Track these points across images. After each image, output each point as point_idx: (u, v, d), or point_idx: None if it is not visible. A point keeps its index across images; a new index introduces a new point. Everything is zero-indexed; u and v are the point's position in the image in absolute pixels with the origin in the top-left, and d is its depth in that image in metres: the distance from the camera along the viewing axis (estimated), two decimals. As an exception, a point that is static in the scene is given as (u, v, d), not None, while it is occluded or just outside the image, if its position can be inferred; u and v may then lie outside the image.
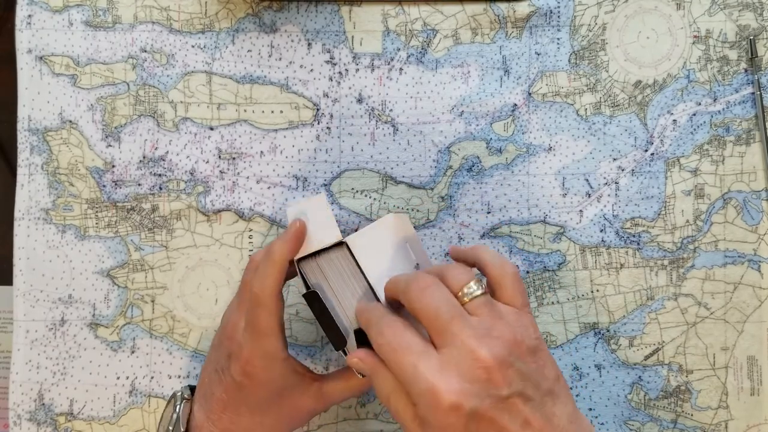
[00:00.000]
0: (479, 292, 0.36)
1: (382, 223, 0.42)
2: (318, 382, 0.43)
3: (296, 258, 0.41)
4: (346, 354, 0.40)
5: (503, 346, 0.34)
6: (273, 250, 0.40)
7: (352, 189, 0.52)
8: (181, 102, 0.52)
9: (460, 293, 0.36)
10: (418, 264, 0.43)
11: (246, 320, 0.41)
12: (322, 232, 0.42)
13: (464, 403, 0.32)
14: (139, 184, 0.51)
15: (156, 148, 0.52)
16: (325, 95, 0.52)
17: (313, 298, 0.40)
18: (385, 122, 0.52)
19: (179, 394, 0.44)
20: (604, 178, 0.52)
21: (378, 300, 0.40)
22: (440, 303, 0.35)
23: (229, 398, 0.41)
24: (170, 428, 0.43)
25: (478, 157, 0.52)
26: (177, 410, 0.43)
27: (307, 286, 0.41)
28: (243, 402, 0.41)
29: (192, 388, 0.45)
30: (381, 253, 0.42)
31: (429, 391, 0.33)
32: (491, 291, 0.39)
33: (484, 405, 0.33)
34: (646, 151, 0.52)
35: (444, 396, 0.32)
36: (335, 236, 0.42)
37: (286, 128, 0.52)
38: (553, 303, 0.51)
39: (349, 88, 0.52)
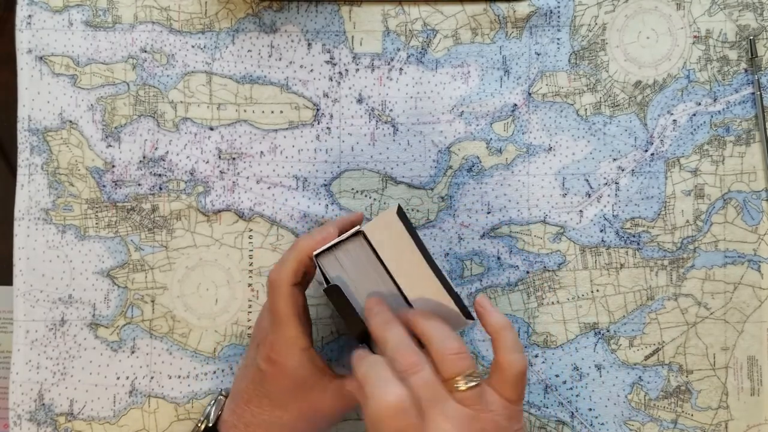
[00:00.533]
0: (474, 383, 0.37)
1: (390, 212, 0.42)
2: (339, 381, 0.43)
3: (315, 253, 0.42)
4: (369, 347, 0.41)
5: None
6: (298, 242, 0.42)
7: (352, 189, 0.52)
8: (181, 102, 0.52)
9: (454, 379, 0.37)
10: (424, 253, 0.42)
11: (267, 308, 0.43)
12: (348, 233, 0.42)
13: None
14: (139, 185, 0.51)
15: (156, 148, 0.52)
16: (325, 95, 0.52)
17: (333, 292, 0.41)
18: (385, 122, 0.52)
19: (219, 392, 0.48)
20: (604, 178, 0.52)
21: (398, 288, 0.41)
22: (423, 387, 0.36)
23: (253, 389, 0.43)
24: (199, 424, 0.45)
25: (478, 157, 0.52)
26: (208, 409, 0.46)
27: (327, 281, 0.42)
28: (265, 394, 0.42)
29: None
30: (394, 240, 0.42)
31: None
32: (492, 371, 0.39)
33: None
34: (646, 151, 0.52)
35: None
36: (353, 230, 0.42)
37: (286, 128, 0.52)
38: (553, 303, 0.51)
39: (349, 88, 0.52)
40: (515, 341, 0.39)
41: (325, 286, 0.41)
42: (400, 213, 0.41)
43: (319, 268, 0.42)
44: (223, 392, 0.48)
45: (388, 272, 0.41)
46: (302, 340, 0.42)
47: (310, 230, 0.49)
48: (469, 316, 0.41)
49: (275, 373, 0.42)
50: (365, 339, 0.41)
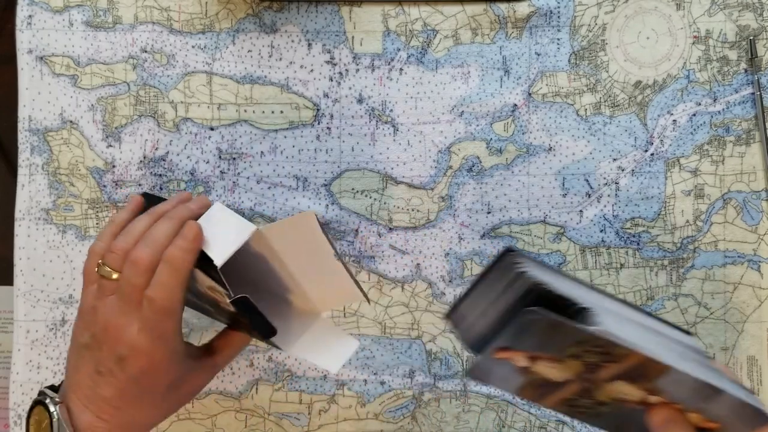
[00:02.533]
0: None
1: (296, 220, 0.41)
2: (208, 358, 0.44)
3: (220, 264, 0.39)
4: (273, 343, 0.42)
5: None
6: (174, 259, 0.39)
7: (353, 189, 0.52)
8: (182, 102, 0.52)
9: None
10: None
11: (146, 327, 0.39)
12: (233, 232, 0.40)
13: None
14: (140, 185, 0.51)
15: (156, 149, 0.52)
16: (326, 95, 0.52)
17: (242, 303, 0.39)
18: (386, 122, 0.52)
19: (48, 399, 0.41)
20: (604, 178, 0.52)
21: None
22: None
23: (124, 396, 0.40)
24: None
25: (478, 157, 0.52)
26: (55, 416, 0.40)
27: (229, 290, 0.40)
28: (143, 396, 0.41)
29: (53, 389, 0.42)
30: (294, 246, 0.41)
31: None
32: None
33: None
34: (646, 151, 0.52)
35: None
36: (249, 229, 0.40)
37: (287, 128, 0.52)
38: (553, 303, 0.51)
39: (350, 88, 0.52)
40: None
41: (231, 297, 0.39)
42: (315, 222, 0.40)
43: (222, 282, 0.39)
44: (56, 398, 0.41)
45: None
46: (183, 352, 0.41)
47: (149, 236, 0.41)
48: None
49: (155, 380, 0.40)
50: (272, 334, 0.41)
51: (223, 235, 0.40)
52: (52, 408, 0.40)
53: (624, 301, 0.44)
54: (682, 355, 0.39)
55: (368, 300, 0.46)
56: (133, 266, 0.39)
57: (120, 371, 0.40)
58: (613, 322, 0.37)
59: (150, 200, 0.44)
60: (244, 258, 0.41)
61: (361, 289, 0.43)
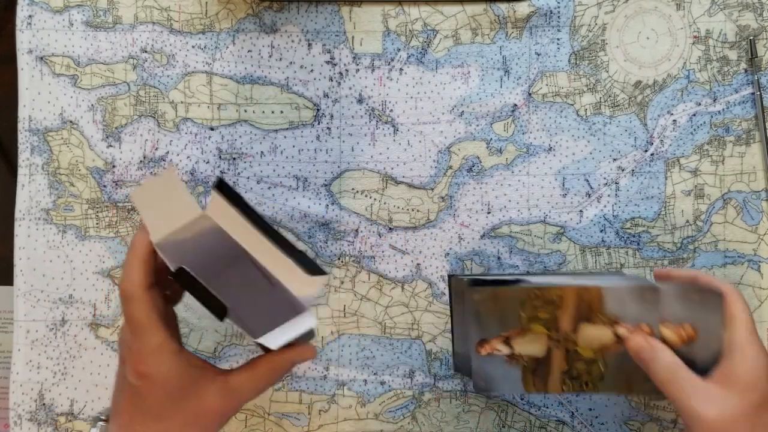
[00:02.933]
0: None
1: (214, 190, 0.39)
2: (222, 376, 0.40)
3: (155, 241, 0.38)
4: (224, 321, 0.39)
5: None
6: (133, 242, 0.38)
7: (353, 189, 0.52)
8: (182, 102, 0.52)
9: None
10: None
11: (125, 319, 0.39)
12: (179, 208, 0.38)
13: None
14: (140, 185, 0.51)
15: (156, 149, 0.52)
16: (326, 95, 0.52)
17: (181, 275, 0.38)
18: (386, 122, 0.52)
19: (97, 415, 0.43)
20: (604, 178, 0.52)
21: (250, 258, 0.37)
22: None
23: (131, 408, 0.39)
24: None
25: (478, 157, 0.52)
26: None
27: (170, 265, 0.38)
28: (145, 410, 0.39)
29: None
30: (228, 214, 0.39)
31: None
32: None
33: None
34: (646, 151, 0.52)
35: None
36: (196, 210, 0.38)
37: (287, 128, 0.52)
38: (553, 303, 0.51)
39: (350, 88, 0.52)
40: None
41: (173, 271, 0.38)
42: (221, 186, 0.37)
43: (163, 257, 0.38)
44: (103, 416, 0.43)
45: (236, 246, 0.38)
46: (170, 344, 0.38)
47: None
48: (315, 272, 0.37)
49: (149, 386, 0.38)
50: (223, 314, 0.38)
51: (172, 210, 0.38)
52: (93, 427, 0.42)
53: (582, 273, 0.48)
54: (612, 279, 0.45)
55: (323, 272, 0.39)
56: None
57: (125, 378, 0.39)
58: (542, 279, 0.45)
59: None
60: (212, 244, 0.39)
61: (308, 263, 0.38)
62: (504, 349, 0.44)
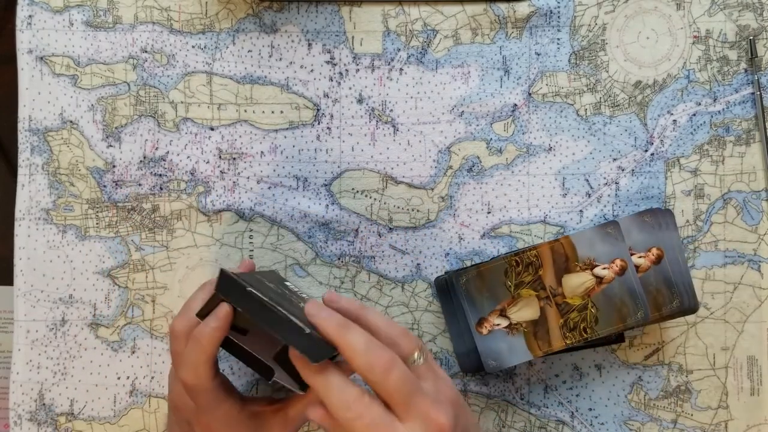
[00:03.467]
0: (422, 358, 0.40)
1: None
2: (282, 412, 0.43)
3: (197, 314, 0.40)
4: (273, 382, 0.41)
5: (452, 407, 0.38)
6: (201, 334, 0.39)
7: (353, 189, 0.52)
8: (182, 102, 0.52)
9: (409, 360, 0.39)
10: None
11: (192, 399, 0.41)
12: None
13: None
14: (140, 185, 0.51)
15: (156, 149, 0.52)
16: (326, 95, 0.52)
17: (229, 344, 0.41)
18: (386, 122, 0.52)
19: None
20: (604, 178, 0.52)
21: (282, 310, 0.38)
22: (401, 380, 0.37)
23: None
24: None
25: (479, 157, 0.52)
26: None
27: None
28: None
29: None
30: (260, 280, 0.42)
31: None
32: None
33: None
34: (646, 151, 0.52)
35: None
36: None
37: (287, 128, 0.52)
38: (553, 303, 0.51)
39: (350, 88, 0.52)
40: (382, 316, 0.41)
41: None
42: (222, 287, 0.39)
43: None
44: None
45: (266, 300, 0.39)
46: (236, 407, 0.42)
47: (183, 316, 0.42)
48: (320, 356, 0.38)
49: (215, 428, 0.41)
50: (270, 376, 0.40)
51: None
52: None
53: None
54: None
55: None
56: (171, 335, 0.42)
57: (195, 424, 0.42)
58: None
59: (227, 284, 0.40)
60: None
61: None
62: (502, 322, 0.47)
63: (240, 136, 0.52)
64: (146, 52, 0.52)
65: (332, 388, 0.37)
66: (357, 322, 0.39)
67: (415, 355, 0.40)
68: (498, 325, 0.47)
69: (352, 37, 0.52)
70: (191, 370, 0.39)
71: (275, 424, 0.43)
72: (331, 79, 0.52)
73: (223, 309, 0.39)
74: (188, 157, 0.52)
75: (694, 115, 0.52)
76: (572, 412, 0.51)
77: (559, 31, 0.52)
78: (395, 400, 0.37)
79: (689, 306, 0.47)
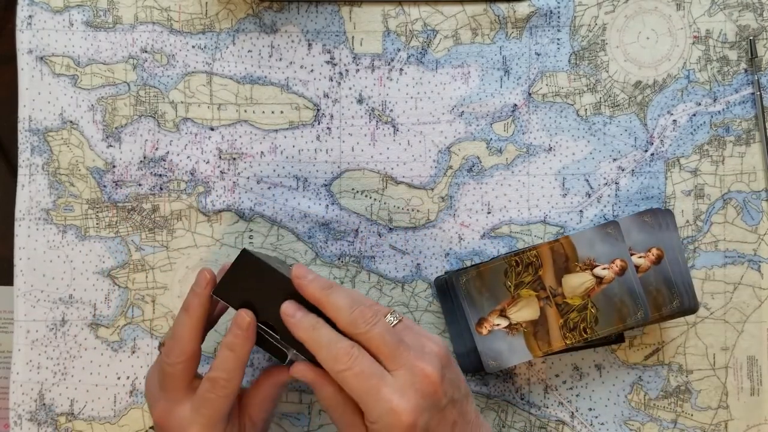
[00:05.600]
0: (397, 319, 0.41)
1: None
2: (250, 419, 0.44)
3: (213, 293, 0.42)
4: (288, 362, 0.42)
5: (438, 359, 0.39)
6: (234, 345, 0.41)
7: (353, 189, 0.52)
8: (182, 102, 0.52)
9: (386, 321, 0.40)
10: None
11: (204, 408, 0.41)
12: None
13: (419, 420, 0.37)
14: (140, 185, 0.51)
15: (156, 149, 0.52)
16: (326, 95, 0.52)
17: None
18: (386, 122, 0.52)
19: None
20: (604, 178, 0.52)
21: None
22: (385, 332, 0.39)
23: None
24: None
25: (479, 158, 0.52)
26: None
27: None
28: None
29: None
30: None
31: (391, 412, 0.36)
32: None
33: (433, 419, 0.38)
34: (646, 151, 0.52)
35: (404, 416, 0.36)
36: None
37: (287, 128, 0.52)
38: (553, 303, 0.51)
39: (350, 88, 0.52)
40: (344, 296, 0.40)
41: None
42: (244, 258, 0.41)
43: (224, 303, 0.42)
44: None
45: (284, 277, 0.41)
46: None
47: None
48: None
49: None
50: (285, 359, 0.42)
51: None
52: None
53: None
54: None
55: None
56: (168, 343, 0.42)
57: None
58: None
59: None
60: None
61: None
62: (502, 322, 0.47)
63: (240, 136, 0.52)
64: (146, 52, 0.52)
65: (323, 342, 0.38)
66: (324, 309, 0.40)
67: (389, 316, 0.40)
68: (498, 325, 0.47)
69: (352, 37, 0.52)
70: (227, 375, 0.40)
71: (243, 428, 0.43)
72: (331, 79, 0.52)
73: (245, 319, 0.40)
74: (188, 157, 0.52)
75: (694, 115, 0.52)
76: (572, 412, 0.51)
77: (559, 31, 0.52)
78: (383, 353, 0.38)
79: (689, 306, 0.47)
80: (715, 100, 0.52)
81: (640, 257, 0.48)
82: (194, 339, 0.42)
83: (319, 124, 0.52)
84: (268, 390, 0.44)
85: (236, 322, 0.40)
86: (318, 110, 0.52)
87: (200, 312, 0.42)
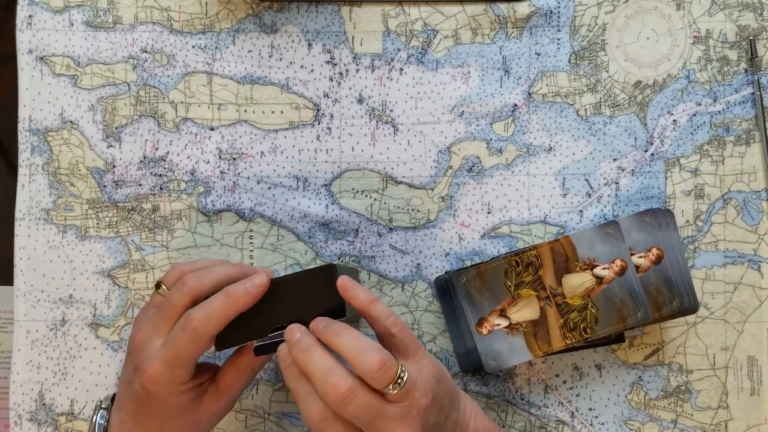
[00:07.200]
0: (402, 382, 0.37)
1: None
2: (214, 384, 0.43)
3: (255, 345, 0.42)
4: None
5: (420, 418, 0.38)
6: (235, 293, 0.40)
7: (353, 189, 0.52)
8: (182, 102, 0.52)
9: (387, 387, 0.38)
10: None
11: (169, 345, 0.40)
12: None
13: None
14: (140, 185, 0.51)
15: (156, 149, 0.52)
16: (326, 95, 0.52)
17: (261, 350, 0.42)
18: (386, 122, 0.52)
19: (99, 403, 0.44)
20: (604, 178, 0.52)
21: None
22: (363, 413, 0.37)
23: (136, 409, 0.41)
24: None
25: (479, 157, 0.52)
26: (94, 419, 0.43)
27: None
28: (147, 414, 0.41)
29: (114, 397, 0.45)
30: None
31: None
32: (387, 346, 0.40)
33: None
34: (646, 151, 0.52)
35: None
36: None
37: (287, 128, 0.52)
38: (553, 303, 0.51)
39: (350, 88, 0.52)
40: (385, 309, 0.40)
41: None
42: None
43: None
44: (103, 403, 0.44)
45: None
46: (189, 376, 0.41)
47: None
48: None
49: (154, 402, 0.41)
50: None
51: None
52: (95, 413, 0.44)
53: None
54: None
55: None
56: (179, 286, 0.41)
57: (132, 384, 0.41)
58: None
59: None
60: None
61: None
62: (502, 322, 0.47)
63: (240, 136, 0.52)
64: (146, 52, 0.52)
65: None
66: (334, 347, 0.39)
67: (390, 387, 0.37)
68: (498, 325, 0.47)
69: (352, 37, 0.52)
70: (208, 314, 0.39)
71: (208, 397, 0.43)
72: (331, 79, 0.52)
73: (263, 279, 0.40)
74: (188, 157, 0.52)
75: (694, 115, 0.52)
76: (572, 412, 0.51)
77: (559, 31, 0.52)
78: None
79: (689, 306, 0.47)
80: (715, 100, 0.52)
81: (640, 257, 0.47)
82: (218, 329, 0.40)
83: (319, 124, 0.52)
84: (241, 362, 0.43)
85: (252, 278, 0.40)
86: (318, 110, 0.52)
87: (243, 304, 0.40)
